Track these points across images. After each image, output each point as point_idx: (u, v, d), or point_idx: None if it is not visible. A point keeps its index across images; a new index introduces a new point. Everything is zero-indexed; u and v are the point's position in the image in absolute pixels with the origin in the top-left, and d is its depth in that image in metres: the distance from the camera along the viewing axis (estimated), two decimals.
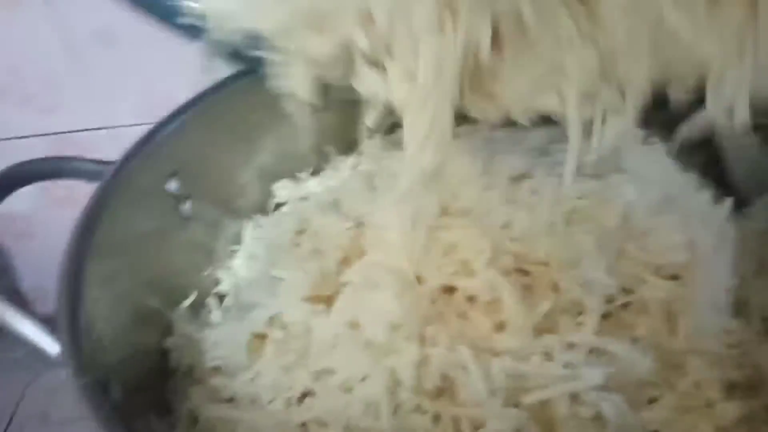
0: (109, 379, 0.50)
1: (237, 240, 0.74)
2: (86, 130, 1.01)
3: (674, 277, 0.55)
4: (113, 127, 1.01)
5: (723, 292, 0.53)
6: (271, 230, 0.69)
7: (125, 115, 0.99)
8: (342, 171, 0.75)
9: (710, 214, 0.58)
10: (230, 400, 0.57)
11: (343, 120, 0.77)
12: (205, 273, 0.70)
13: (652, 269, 0.55)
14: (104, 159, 0.64)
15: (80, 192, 0.59)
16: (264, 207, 0.76)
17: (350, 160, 0.76)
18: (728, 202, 0.59)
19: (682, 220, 0.55)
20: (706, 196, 0.60)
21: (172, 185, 0.65)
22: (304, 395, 0.55)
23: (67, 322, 0.49)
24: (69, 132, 0.99)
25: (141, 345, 0.62)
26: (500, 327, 0.53)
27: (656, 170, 0.62)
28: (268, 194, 0.76)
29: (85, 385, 0.45)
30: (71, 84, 0.95)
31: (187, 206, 0.67)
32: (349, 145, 0.79)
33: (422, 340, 0.52)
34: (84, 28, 0.91)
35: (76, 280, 0.51)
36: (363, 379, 0.52)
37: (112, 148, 0.62)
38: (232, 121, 0.71)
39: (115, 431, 0.43)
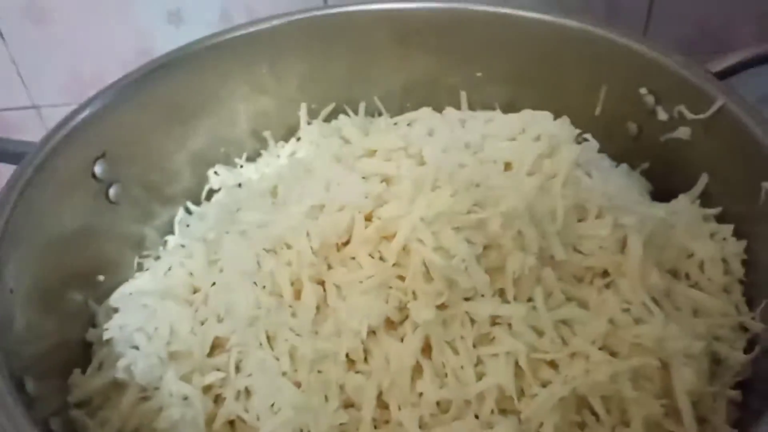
0: (23, 374, 0.48)
1: (169, 228, 0.71)
2: (13, 109, 0.95)
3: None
4: (43, 107, 0.96)
5: None
6: (198, 226, 0.65)
7: (54, 94, 0.94)
8: (280, 158, 0.73)
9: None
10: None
11: (281, 104, 0.76)
12: (135, 263, 0.67)
13: None
14: (32, 140, 0.60)
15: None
16: (198, 193, 0.73)
17: (288, 147, 0.73)
18: None
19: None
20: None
21: (99, 168, 0.62)
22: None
23: None
24: None
25: (63, 338, 0.58)
26: None
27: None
28: (203, 180, 0.73)
29: None
30: None
31: (113, 191, 0.64)
32: (288, 131, 0.77)
33: None
34: (12, 3, 0.86)
35: None
36: None
37: (41, 128, 0.58)
38: (166, 101, 0.68)
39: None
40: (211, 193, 0.73)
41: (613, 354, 0.52)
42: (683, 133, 0.61)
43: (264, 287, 0.53)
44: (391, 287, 0.51)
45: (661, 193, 0.65)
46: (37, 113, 0.96)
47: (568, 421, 0.51)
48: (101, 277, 0.63)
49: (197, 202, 0.72)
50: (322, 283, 0.53)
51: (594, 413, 0.51)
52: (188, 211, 0.71)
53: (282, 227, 0.53)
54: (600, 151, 0.66)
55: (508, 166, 0.58)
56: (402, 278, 0.51)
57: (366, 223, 0.53)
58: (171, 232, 0.71)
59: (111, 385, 0.55)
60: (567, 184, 0.55)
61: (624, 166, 0.67)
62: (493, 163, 0.57)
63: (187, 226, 0.69)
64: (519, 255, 0.50)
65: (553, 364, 0.52)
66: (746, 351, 0.55)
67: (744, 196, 0.57)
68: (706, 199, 0.62)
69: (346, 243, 0.54)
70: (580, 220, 0.56)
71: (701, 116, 0.59)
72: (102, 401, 0.55)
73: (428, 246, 0.49)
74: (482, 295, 0.50)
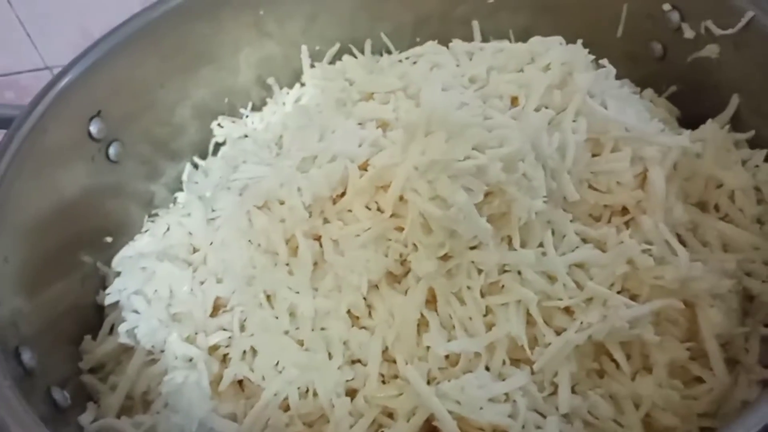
0: (19, 345, 0.47)
1: (179, 184, 0.69)
2: (26, 71, 0.94)
3: None
4: (56, 68, 0.95)
5: None
6: (204, 182, 0.63)
7: (67, 54, 0.92)
8: (285, 105, 0.70)
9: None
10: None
11: (285, 48, 0.72)
12: (145, 220, 0.66)
13: None
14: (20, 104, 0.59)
15: None
16: (205, 148, 0.71)
17: (293, 93, 0.70)
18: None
19: None
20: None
21: (95, 127, 0.60)
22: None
23: None
24: (4, 75, 0.93)
25: (74, 303, 0.58)
26: None
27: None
28: (209, 133, 0.71)
29: None
30: (3, 23, 0.89)
31: (113, 150, 0.62)
32: (294, 76, 0.73)
33: None
34: None
35: None
36: None
37: None
38: (163, 53, 0.65)
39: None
40: (218, 146, 0.71)
41: (632, 297, 0.49)
42: (711, 51, 0.56)
43: (259, 245, 0.51)
44: (390, 239, 0.49)
45: (690, 118, 0.60)
46: (51, 74, 0.95)
47: (585, 369, 0.49)
48: (109, 239, 0.62)
49: (205, 157, 0.70)
50: (318, 238, 0.50)
51: (613, 360, 0.49)
52: (196, 166, 0.69)
53: (271, 183, 0.51)
54: (621, 76, 0.61)
55: (514, 100, 0.54)
56: (401, 230, 0.48)
57: (362, 172, 0.50)
58: (181, 188, 0.69)
59: (121, 350, 0.55)
60: (579, 116, 0.51)
61: (648, 91, 0.62)
62: (498, 98, 0.53)
63: (196, 182, 0.67)
64: (524, 200, 0.46)
65: (568, 311, 0.49)
66: None
67: None
68: (737, 123, 0.56)
69: (343, 194, 0.51)
70: (595, 155, 0.52)
71: (730, 31, 0.53)
72: (114, 366, 0.55)
73: (424, 196, 0.46)
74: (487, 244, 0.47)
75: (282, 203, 0.51)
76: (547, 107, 0.51)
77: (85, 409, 0.51)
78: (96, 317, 0.59)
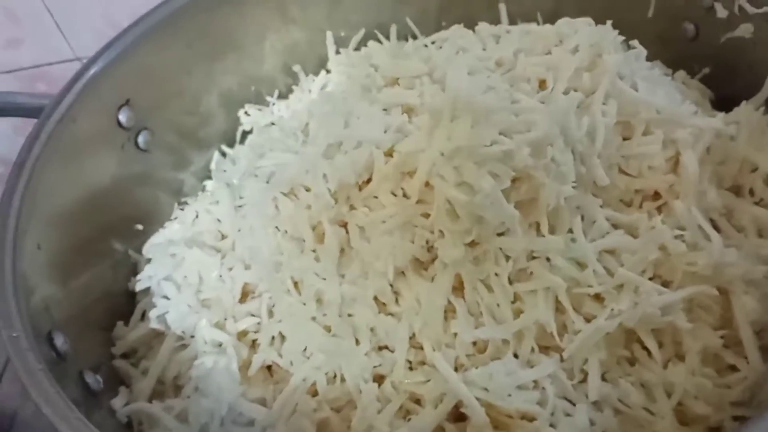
0: (52, 330, 0.48)
1: (208, 173, 0.70)
2: (57, 62, 0.95)
3: None
4: (86, 59, 0.95)
5: None
6: (232, 170, 0.63)
7: (96, 45, 0.93)
8: (312, 92, 0.70)
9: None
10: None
11: (310, 35, 0.72)
12: (174, 208, 0.66)
13: None
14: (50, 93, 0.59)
15: None
16: (232, 136, 0.71)
17: (319, 80, 0.70)
18: None
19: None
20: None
21: (123, 116, 0.61)
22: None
23: None
24: (36, 67, 0.94)
25: (107, 290, 0.59)
26: None
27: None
28: (237, 122, 0.71)
29: (11, 338, 0.42)
30: (31, 14, 0.90)
31: (143, 138, 0.62)
32: (319, 63, 0.73)
33: None
34: None
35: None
36: None
37: None
38: (190, 41, 0.65)
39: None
40: (246, 135, 0.71)
41: (664, 284, 0.48)
42: (745, 30, 0.54)
43: (286, 232, 0.51)
44: (416, 226, 0.48)
45: (724, 100, 0.59)
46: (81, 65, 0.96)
47: (616, 356, 0.48)
48: (140, 226, 0.63)
49: (232, 145, 0.71)
50: (344, 225, 0.50)
51: (645, 348, 0.48)
52: (224, 155, 0.70)
53: (297, 169, 0.51)
54: (652, 58, 0.59)
55: (542, 84, 0.53)
56: (427, 216, 0.48)
57: (387, 159, 0.50)
58: (209, 176, 0.70)
59: (153, 335, 0.56)
60: (609, 98, 0.50)
61: (680, 73, 0.60)
62: (525, 82, 0.52)
63: (225, 171, 0.67)
64: (553, 185, 0.46)
65: (598, 298, 0.48)
66: None
67: None
68: None
69: (369, 181, 0.51)
70: (626, 139, 0.51)
71: (764, 9, 0.52)
72: (145, 351, 0.56)
73: (450, 182, 0.45)
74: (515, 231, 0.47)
75: (308, 190, 0.51)
76: (575, 90, 0.50)
77: (117, 393, 0.52)
78: (128, 304, 0.60)
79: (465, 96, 0.44)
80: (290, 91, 0.73)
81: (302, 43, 0.72)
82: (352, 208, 0.51)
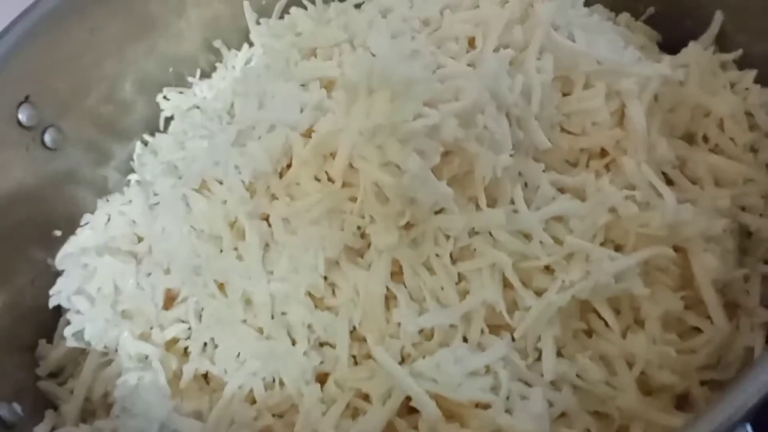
0: None
1: (130, 166, 0.64)
2: None
3: None
4: None
5: None
6: (153, 163, 0.58)
7: None
8: (235, 69, 0.64)
9: None
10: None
11: (231, 5, 0.66)
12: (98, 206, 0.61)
13: None
14: None
15: None
16: (156, 123, 0.66)
17: (242, 55, 0.65)
18: None
19: None
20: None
21: (24, 115, 0.55)
22: None
23: None
24: None
25: (29, 306, 0.54)
26: None
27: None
28: (158, 107, 0.66)
29: None
30: None
31: (49, 136, 0.57)
32: (243, 36, 0.68)
33: None
34: None
35: None
36: None
37: None
38: (94, 24, 0.59)
39: None
40: (169, 121, 0.66)
41: (618, 249, 0.45)
42: None
43: (202, 231, 0.46)
44: (345, 212, 0.44)
45: (672, 42, 0.55)
46: None
47: (572, 330, 0.45)
48: (58, 232, 0.58)
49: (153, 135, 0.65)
50: (266, 217, 0.46)
51: (602, 318, 0.45)
52: (146, 145, 0.64)
53: (205, 162, 0.46)
54: (593, 2, 0.55)
55: (472, 42, 0.48)
56: (356, 200, 0.44)
57: (306, 140, 0.45)
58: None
59: (79, 351, 0.51)
60: (544, 52, 0.46)
61: (624, 16, 0.56)
62: (453, 41, 0.48)
63: (146, 163, 0.62)
64: (488, 156, 0.42)
65: (548, 270, 0.45)
66: None
67: (766, 30, 0.46)
68: (723, 43, 0.51)
69: (290, 166, 0.46)
70: (565, 95, 0.47)
71: None
72: (73, 368, 0.52)
73: (374, 163, 0.41)
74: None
75: (221, 183, 0.47)
76: (507, 47, 0.46)
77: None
78: (54, 319, 0.56)
79: (381, 66, 0.40)
80: (214, 69, 0.67)
81: (224, 16, 0.67)
82: (273, 198, 0.46)
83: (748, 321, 0.46)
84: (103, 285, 0.49)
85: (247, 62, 0.64)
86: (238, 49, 0.66)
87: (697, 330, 0.45)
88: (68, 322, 0.51)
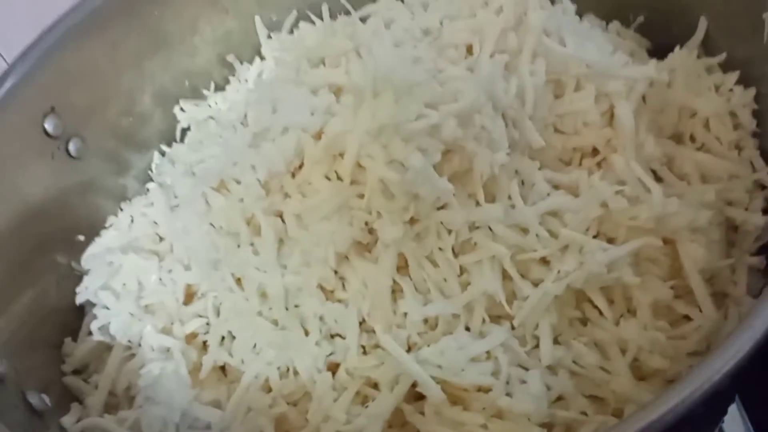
0: None
1: (149, 175, 0.68)
2: None
3: None
4: None
5: None
6: (171, 171, 0.62)
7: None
8: (249, 82, 0.68)
9: None
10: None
11: (242, 22, 0.70)
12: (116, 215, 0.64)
13: None
14: None
15: None
16: (172, 135, 0.69)
17: (254, 68, 0.68)
18: None
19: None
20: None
21: (50, 124, 0.58)
22: None
23: None
24: None
25: (54, 306, 0.57)
26: None
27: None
28: (174, 119, 0.69)
29: None
30: None
31: (74, 146, 0.60)
32: (254, 50, 0.71)
33: None
34: None
35: None
36: None
37: None
38: (116, 39, 0.63)
39: None
40: (185, 132, 0.69)
41: (609, 241, 0.47)
42: None
43: (221, 227, 0.49)
44: (353, 208, 0.47)
45: (661, 48, 0.57)
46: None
47: (568, 318, 0.47)
48: (81, 237, 0.61)
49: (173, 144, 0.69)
50: (280, 214, 0.49)
51: (596, 307, 0.47)
52: (164, 155, 0.68)
53: (223, 162, 0.49)
54: (586, 10, 0.58)
55: (470, 49, 0.51)
56: (363, 197, 0.47)
57: (317, 142, 0.48)
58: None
59: (103, 348, 0.54)
60: (536, 57, 0.49)
61: (615, 24, 0.59)
62: (453, 48, 0.51)
63: (164, 172, 0.65)
64: (485, 154, 0.45)
65: (544, 262, 0.48)
66: (766, 212, 0.49)
67: (747, 34, 0.49)
68: (709, 47, 0.54)
69: (302, 166, 0.49)
70: (557, 97, 0.50)
71: None
72: (98, 365, 0.54)
73: (380, 161, 0.44)
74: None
75: (238, 183, 0.50)
76: (503, 52, 0.49)
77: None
78: (77, 319, 0.58)
79: (385, 70, 0.43)
80: (227, 82, 0.70)
81: (236, 32, 0.70)
82: (286, 196, 0.49)
83: (735, 310, 0.48)
84: (127, 281, 0.52)
85: (259, 75, 0.67)
86: (251, 62, 0.70)
87: (687, 318, 0.47)
88: (95, 317, 0.54)
